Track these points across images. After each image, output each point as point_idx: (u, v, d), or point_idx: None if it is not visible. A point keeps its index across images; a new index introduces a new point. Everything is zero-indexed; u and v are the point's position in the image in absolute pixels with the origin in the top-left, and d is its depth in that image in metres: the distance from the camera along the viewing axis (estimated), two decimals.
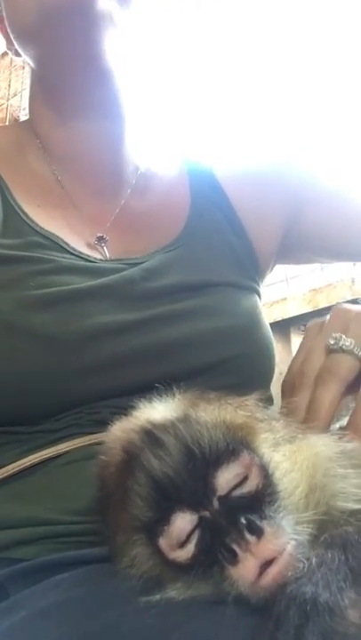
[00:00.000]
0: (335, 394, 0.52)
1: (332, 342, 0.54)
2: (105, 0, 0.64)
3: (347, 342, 0.54)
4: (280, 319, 1.48)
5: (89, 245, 0.71)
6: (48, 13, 0.64)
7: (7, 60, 2.59)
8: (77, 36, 0.65)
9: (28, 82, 0.79)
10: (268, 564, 0.36)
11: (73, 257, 0.68)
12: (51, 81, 0.73)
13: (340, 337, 0.54)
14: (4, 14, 0.71)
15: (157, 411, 0.44)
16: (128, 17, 0.67)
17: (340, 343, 0.54)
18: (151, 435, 0.40)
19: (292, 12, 1.71)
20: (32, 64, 0.74)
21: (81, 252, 0.69)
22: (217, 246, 0.75)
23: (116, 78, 0.70)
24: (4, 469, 0.59)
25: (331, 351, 0.54)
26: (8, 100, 2.51)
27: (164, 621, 0.38)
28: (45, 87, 0.75)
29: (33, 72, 0.76)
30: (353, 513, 0.40)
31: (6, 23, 0.72)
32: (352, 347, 0.53)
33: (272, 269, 0.85)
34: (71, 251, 0.68)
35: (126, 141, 0.77)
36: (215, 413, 0.42)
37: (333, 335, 0.55)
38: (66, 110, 0.74)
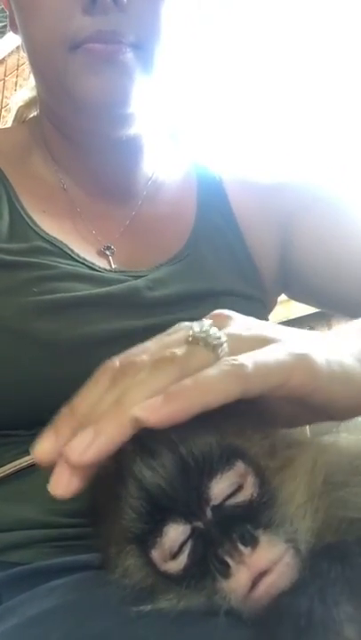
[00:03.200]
0: (166, 382, 0.36)
1: (196, 329, 0.39)
2: (135, 98, 0.64)
3: (214, 334, 0.38)
4: (284, 320, 1.47)
5: (95, 254, 0.71)
6: (80, 108, 0.65)
7: (14, 58, 2.60)
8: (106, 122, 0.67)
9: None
10: (261, 575, 0.35)
11: (77, 264, 0.67)
12: (61, 116, 0.71)
13: (210, 327, 0.39)
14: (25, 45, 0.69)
15: None
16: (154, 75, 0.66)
17: (207, 333, 0.38)
18: (143, 443, 0.39)
19: (295, 20, 1.71)
20: (42, 94, 0.73)
21: (85, 260, 0.68)
22: (222, 255, 0.74)
23: (137, 119, 0.68)
24: (0, 470, 0.59)
25: (190, 342, 0.38)
26: None
27: (155, 632, 0.37)
28: (54, 117, 0.73)
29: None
30: (353, 522, 0.39)
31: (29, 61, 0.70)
32: (219, 342, 0.38)
33: (278, 293, 0.83)
34: (76, 258, 0.67)
35: (142, 158, 0.75)
36: (210, 420, 0.41)
37: (202, 322, 0.40)
38: (76, 138, 0.72)
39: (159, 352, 0.38)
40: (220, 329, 0.40)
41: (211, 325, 0.39)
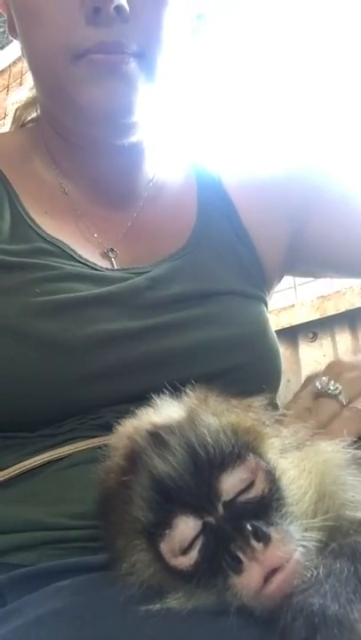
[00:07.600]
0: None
1: (318, 386, 0.53)
2: (138, 107, 0.64)
3: (332, 387, 0.53)
4: (288, 326, 1.47)
5: (97, 255, 0.71)
6: (83, 117, 0.66)
7: (19, 66, 2.62)
8: (109, 131, 0.68)
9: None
10: (274, 572, 0.35)
11: (79, 264, 0.67)
12: (62, 122, 0.71)
13: (328, 381, 0.53)
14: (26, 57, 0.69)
15: (163, 412, 0.43)
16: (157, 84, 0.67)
17: (327, 387, 0.53)
18: (156, 435, 0.39)
19: (295, 22, 1.73)
20: (43, 100, 0.73)
21: (87, 260, 0.68)
22: (223, 254, 0.74)
23: (140, 126, 0.68)
24: (4, 472, 0.58)
25: (317, 395, 0.54)
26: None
27: (164, 632, 0.36)
28: (54, 122, 0.73)
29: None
30: None
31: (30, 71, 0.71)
32: (337, 392, 0.53)
33: (279, 280, 0.84)
34: (78, 258, 0.67)
35: (143, 161, 0.75)
36: (222, 416, 0.41)
37: (321, 379, 0.54)
38: (77, 144, 0.72)
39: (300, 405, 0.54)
40: (336, 376, 0.54)
41: (328, 379, 0.54)
